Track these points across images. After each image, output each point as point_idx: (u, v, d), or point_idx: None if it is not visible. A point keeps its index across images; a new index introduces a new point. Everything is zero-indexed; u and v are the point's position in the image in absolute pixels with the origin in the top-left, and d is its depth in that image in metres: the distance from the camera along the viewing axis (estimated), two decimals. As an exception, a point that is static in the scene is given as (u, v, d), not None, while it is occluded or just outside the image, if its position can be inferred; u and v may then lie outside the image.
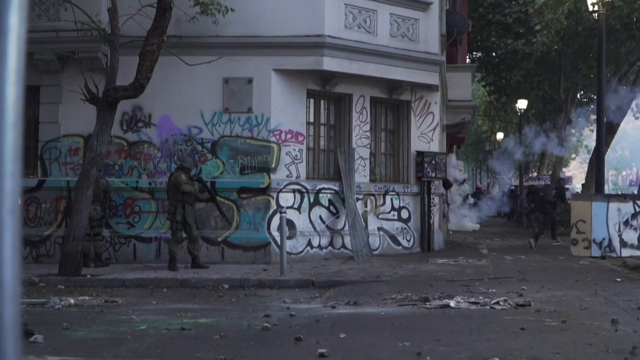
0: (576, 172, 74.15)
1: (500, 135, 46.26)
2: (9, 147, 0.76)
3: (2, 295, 0.94)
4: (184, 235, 13.89)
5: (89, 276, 12.97)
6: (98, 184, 13.75)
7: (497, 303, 9.53)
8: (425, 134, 17.79)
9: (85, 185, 13.25)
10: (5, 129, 0.76)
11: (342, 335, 7.37)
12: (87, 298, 10.70)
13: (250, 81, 15.35)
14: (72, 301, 10.27)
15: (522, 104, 34.14)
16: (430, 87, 17.48)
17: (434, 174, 17.67)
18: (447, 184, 22.09)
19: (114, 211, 15.29)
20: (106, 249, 14.95)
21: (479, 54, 38.09)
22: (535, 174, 40.87)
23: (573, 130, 38.27)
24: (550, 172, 36.63)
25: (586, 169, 33.48)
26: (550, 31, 23.85)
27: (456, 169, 32.49)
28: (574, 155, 64.14)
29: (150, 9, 13.28)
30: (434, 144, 18.00)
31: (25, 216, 15.18)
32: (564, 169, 50.17)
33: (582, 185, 32.66)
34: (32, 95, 15.59)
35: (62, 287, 12.10)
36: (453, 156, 31.72)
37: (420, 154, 17.53)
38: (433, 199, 17.92)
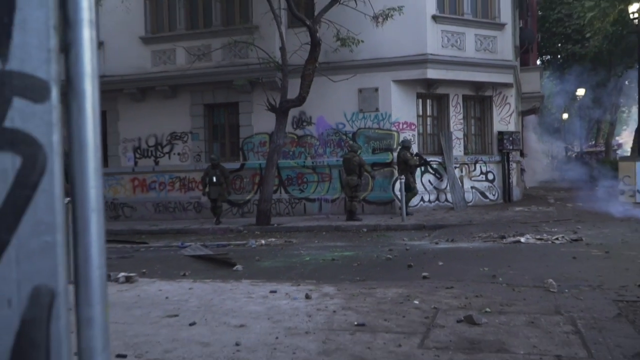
0: (628, 140, 67.90)
1: (565, 115, 43.28)
2: (91, 167, 0.80)
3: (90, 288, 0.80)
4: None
5: (275, 225, 13.07)
6: (352, 160, 13.45)
7: (557, 239, 9.08)
8: (504, 118, 16.97)
9: (270, 165, 13.69)
10: (88, 158, 0.80)
11: (440, 263, 7.28)
12: (273, 240, 10.86)
13: (376, 90, 15.23)
14: (263, 242, 10.46)
15: (580, 91, 31.85)
16: (506, 85, 16.65)
17: (511, 147, 16.88)
18: (522, 154, 21.01)
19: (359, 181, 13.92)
20: (283, 207, 15.09)
21: (547, 57, 35.86)
22: (593, 142, 37.92)
23: (623, 108, 35.18)
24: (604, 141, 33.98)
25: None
26: (599, 37, 21.94)
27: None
28: (625, 127, 58.76)
29: (306, 45, 13.46)
30: (511, 125, 17.15)
31: (233, 187, 15.87)
32: (616, 137, 46.12)
33: (631, 149, 30.07)
34: (233, 108, 16.27)
35: (258, 232, 12.39)
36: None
37: (500, 133, 16.79)
38: (511, 164, 17.14)
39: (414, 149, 15.41)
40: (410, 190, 13.84)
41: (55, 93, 0.79)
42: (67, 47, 0.81)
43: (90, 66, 0.82)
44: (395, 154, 15.12)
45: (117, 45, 16.37)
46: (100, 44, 16.56)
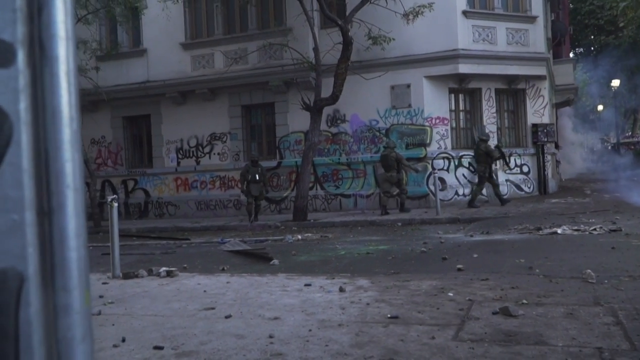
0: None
1: (600, 107, 41.75)
2: (66, 138, 0.70)
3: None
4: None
5: (312, 220, 12.96)
6: (389, 157, 13.23)
7: (595, 229, 8.60)
8: (538, 110, 16.40)
9: (306, 163, 13.59)
10: (62, 127, 0.71)
11: (475, 255, 7.03)
12: (309, 235, 10.76)
13: (408, 86, 14.96)
14: (299, 237, 10.39)
15: (615, 82, 30.66)
16: (539, 77, 16.09)
17: (546, 139, 16.30)
18: (556, 146, 20.32)
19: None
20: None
21: (580, 49, 34.70)
22: (629, 133, 36.47)
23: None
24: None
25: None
26: (632, 27, 21.04)
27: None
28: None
29: (339, 45, 13.33)
30: (545, 117, 16.57)
31: (271, 185, 15.83)
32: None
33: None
34: (270, 108, 16.28)
35: (295, 228, 12.31)
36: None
37: (534, 125, 16.24)
38: (546, 156, 16.51)
39: (447, 144, 15.10)
40: (481, 182, 13.54)
41: (22, 57, 0.69)
42: (39, 8, 0.72)
43: (64, 28, 0.72)
44: (429, 149, 14.87)
45: (160, 52, 16.63)
46: (143, 51, 16.86)
